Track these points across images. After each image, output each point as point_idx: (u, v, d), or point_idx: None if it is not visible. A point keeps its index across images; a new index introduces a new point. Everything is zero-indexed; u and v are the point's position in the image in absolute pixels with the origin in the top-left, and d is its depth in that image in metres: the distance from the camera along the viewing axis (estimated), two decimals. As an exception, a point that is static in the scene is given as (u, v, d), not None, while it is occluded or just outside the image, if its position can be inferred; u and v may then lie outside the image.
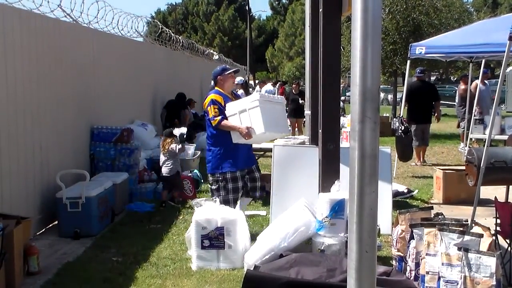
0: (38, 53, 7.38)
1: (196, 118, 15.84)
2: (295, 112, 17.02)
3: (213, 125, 6.69)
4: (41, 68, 7.44)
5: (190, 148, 11.43)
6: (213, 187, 6.82)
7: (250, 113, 6.55)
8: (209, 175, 6.91)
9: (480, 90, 13.68)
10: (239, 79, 15.90)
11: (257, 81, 29.50)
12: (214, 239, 5.94)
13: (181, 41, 17.93)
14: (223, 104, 6.73)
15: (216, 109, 6.66)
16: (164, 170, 8.95)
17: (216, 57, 26.37)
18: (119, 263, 6.15)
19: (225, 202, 6.61)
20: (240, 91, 15.00)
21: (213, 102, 6.72)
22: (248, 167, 6.99)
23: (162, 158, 8.99)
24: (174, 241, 6.97)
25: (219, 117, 6.64)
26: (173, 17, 67.09)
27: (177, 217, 8.16)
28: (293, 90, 17.68)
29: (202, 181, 10.33)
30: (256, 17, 70.96)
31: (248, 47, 46.10)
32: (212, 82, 7.23)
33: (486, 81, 14.84)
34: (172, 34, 16.75)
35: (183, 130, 10.06)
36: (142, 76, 13.03)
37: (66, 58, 8.30)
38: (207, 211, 6.06)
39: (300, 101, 16.38)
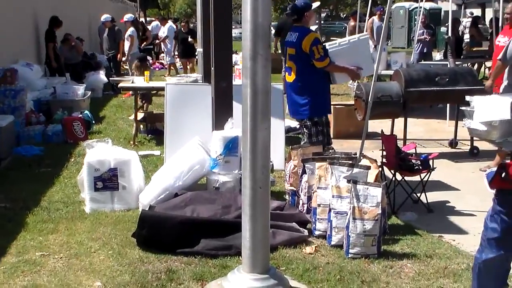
0: None
1: (85, 57, 15.28)
2: (185, 52, 16.48)
3: (321, 66, 6.15)
4: None
5: (80, 89, 11.07)
6: (312, 131, 6.31)
7: (358, 52, 6.32)
8: (305, 120, 6.37)
9: (377, 26, 14.11)
10: (128, 16, 15.36)
11: (147, 19, 28.69)
12: (107, 181, 5.83)
13: (65, -25, 17.05)
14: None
15: (322, 49, 6.14)
16: None
17: (104, -8, 25.30)
18: (7, 209, 5.92)
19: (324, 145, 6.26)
20: (131, 29, 14.54)
21: (318, 41, 6.15)
22: None
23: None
24: (66, 184, 6.79)
25: (328, 58, 6.17)
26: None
27: (68, 159, 7.94)
28: (182, 29, 16.92)
29: (94, 122, 10.08)
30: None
31: (137, -18, 44.65)
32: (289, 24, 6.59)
33: (384, 17, 15.26)
34: (56, -32, 15.87)
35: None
36: (24, 15, 12.34)
37: None
38: (99, 152, 5.92)
39: (189, 40, 16.01)
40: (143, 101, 10.54)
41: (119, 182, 5.85)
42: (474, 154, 8.01)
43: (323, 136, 6.33)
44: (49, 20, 13.05)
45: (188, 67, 16.66)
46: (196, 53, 16.13)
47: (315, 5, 6.72)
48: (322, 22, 36.74)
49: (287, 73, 6.48)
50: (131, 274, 4.42)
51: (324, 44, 6.39)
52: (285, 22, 14.05)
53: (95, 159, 5.85)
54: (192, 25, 17.23)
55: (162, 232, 4.86)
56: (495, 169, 3.30)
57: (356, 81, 8.44)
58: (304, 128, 6.42)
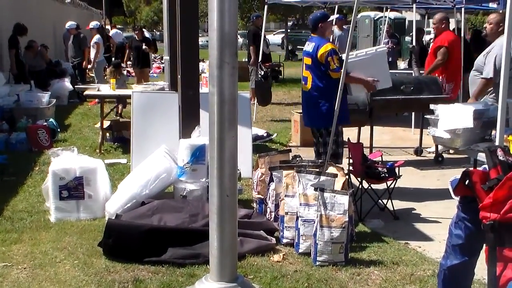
0: None
1: (50, 64, 15.09)
2: (138, 60, 14.63)
3: (336, 77, 6.01)
4: None
5: (44, 96, 10.93)
6: (327, 140, 6.09)
7: (375, 65, 6.27)
8: (321, 129, 6.35)
9: (337, 36, 14.19)
10: (94, 23, 15.21)
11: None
12: (73, 190, 5.76)
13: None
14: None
15: (337, 60, 6.11)
16: None
17: (68, 0, 25.02)
18: (-31, 219, 5.81)
19: (335, 155, 6.18)
20: (97, 36, 14.41)
21: (335, 52, 6.16)
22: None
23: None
24: (30, 193, 6.68)
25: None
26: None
27: (32, 168, 7.82)
28: (136, 37, 15.06)
29: (59, 130, 9.96)
30: (111, -42, 67.94)
31: (103, -11, 44.23)
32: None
33: (344, 27, 15.32)
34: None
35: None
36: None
37: None
38: (65, 161, 5.85)
39: (143, 47, 14.29)
40: (118, 104, 10.88)
41: (85, 190, 5.79)
42: (438, 162, 8.12)
43: (337, 145, 6.26)
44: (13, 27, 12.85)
45: (142, 78, 14.29)
46: (150, 63, 15.92)
47: (333, 17, 6.73)
48: (288, 30, 37.06)
49: (303, 82, 6.47)
50: (97, 284, 4.36)
51: (340, 55, 6.38)
52: (248, 30, 14.17)
53: (60, 168, 5.77)
54: (158, 33, 16.76)
55: (128, 241, 4.81)
56: (459, 176, 3.35)
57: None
58: (320, 138, 6.40)
